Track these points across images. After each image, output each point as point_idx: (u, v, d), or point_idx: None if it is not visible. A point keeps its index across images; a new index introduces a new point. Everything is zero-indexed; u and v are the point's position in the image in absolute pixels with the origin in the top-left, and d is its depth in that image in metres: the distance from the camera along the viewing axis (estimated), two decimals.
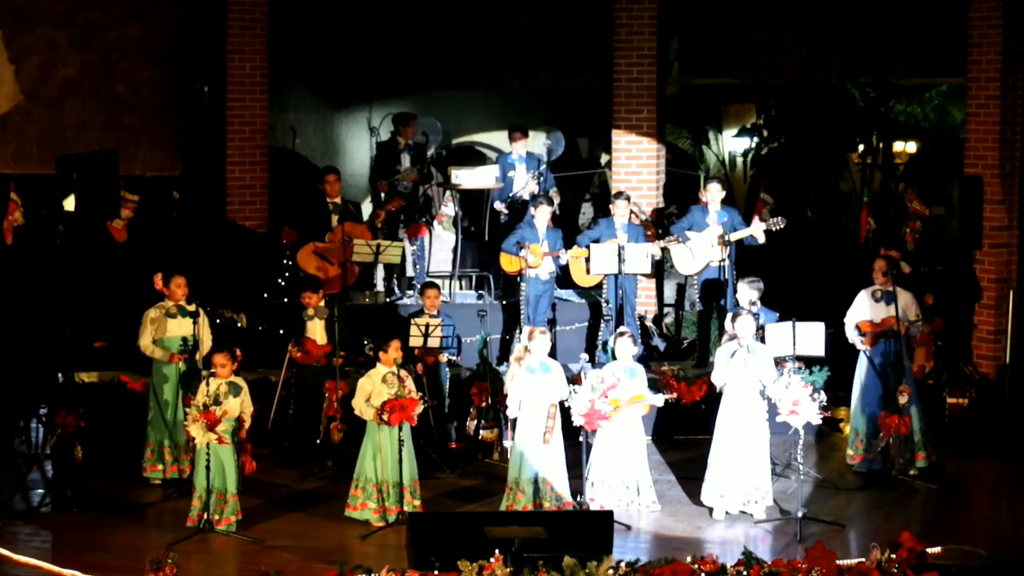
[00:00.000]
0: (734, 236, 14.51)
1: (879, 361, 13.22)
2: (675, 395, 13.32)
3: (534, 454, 11.88)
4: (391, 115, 16.89)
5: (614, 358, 12.42)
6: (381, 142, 16.24)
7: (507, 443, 12.45)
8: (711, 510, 12.04)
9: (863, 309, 13.27)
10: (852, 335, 13.29)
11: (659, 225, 15.98)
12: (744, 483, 11.88)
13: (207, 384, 11.51)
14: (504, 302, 15.11)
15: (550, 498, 11.84)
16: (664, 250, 15.02)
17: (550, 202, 14.74)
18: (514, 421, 12.11)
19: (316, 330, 13.40)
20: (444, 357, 13.47)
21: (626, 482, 12.15)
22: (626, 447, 12.14)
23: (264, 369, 14.07)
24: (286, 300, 14.98)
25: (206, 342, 12.90)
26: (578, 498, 11.96)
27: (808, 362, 12.96)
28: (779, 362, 12.28)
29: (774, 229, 14.51)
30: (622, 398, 12.04)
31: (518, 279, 14.61)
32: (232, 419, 11.51)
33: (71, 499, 12.19)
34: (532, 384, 11.90)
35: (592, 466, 12.16)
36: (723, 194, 14.82)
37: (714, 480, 12.00)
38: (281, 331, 14.29)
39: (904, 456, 12.99)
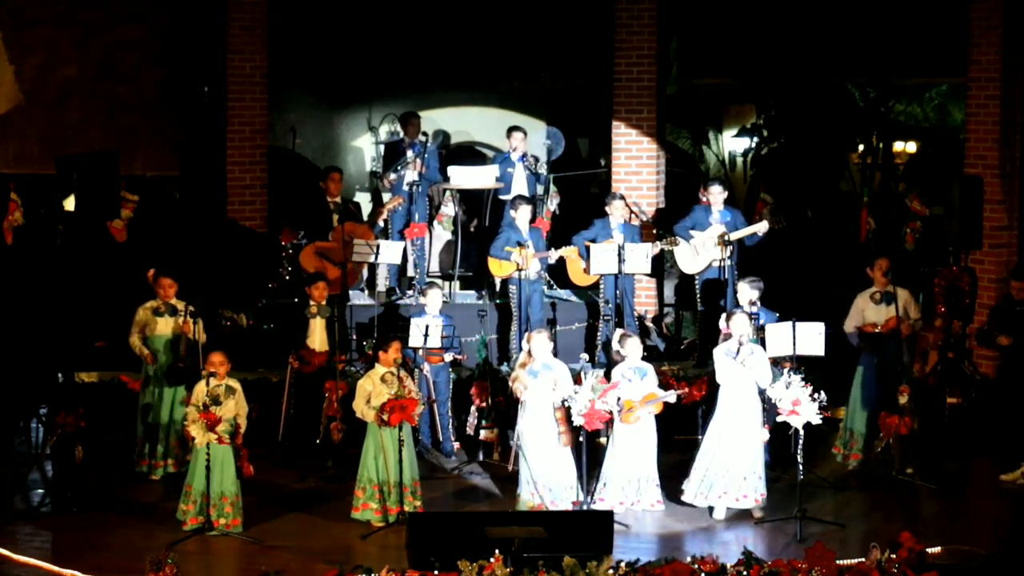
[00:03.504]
0: (735, 235, 14.52)
1: (878, 362, 13.22)
2: (685, 390, 13.33)
3: (545, 456, 11.87)
4: (391, 115, 16.89)
5: (612, 360, 12.41)
6: (388, 142, 16.25)
7: (513, 443, 12.44)
8: (711, 510, 12.05)
9: (864, 313, 13.26)
10: (855, 339, 13.29)
11: (659, 225, 15.98)
12: (733, 482, 11.88)
13: (207, 384, 11.50)
14: (498, 301, 15.10)
15: (564, 498, 11.85)
16: (662, 251, 15.01)
17: (528, 202, 14.72)
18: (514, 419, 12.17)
19: (317, 329, 13.41)
20: (449, 356, 13.47)
21: (639, 480, 12.16)
22: (640, 446, 12.16)
23: (264, 369, 14.09)
24: (296, 300, 14.96)
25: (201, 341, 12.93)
26: (579, 497, 11.98)
27: (803, 364, 12.95)
28: (779, 362, 12.28)
29: (776, 227, 14.53)
30: (635, 398, 12.05)
31: (508, 282, 14.60)
32: (229, 420, 11.50)
33: (71, 499, 12.19)
34: (536, 386, 11.91)
35: (605, 464, 12.17)
36: (725, 194, 14.83)
37: (698, 478, 12.01)
38: (279, 329, 14.32)
39: (903, 456, 13.00)
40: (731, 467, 11.90)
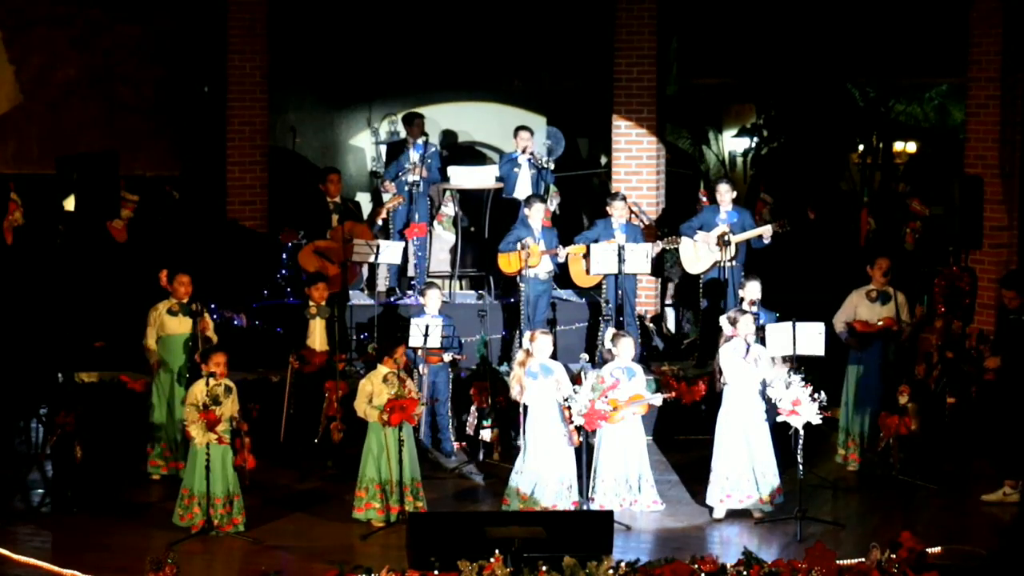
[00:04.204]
0: (737, 237, 14.51)
1: (877, 362, 13.22)
2: (674, 394, 13.32)
3: (545, 457, 11.87)
4: (391, 115, 16.89)
5: (604, 359, 12.41)
6: (390, 142, 16.26)
7: (519, 443, 12.44)
8: (711, 510, 12.05)
9: (857, 309, 13.26)
10: (844, 335, 13.29)
11: (661, 225, 15.98)
12: (752, 482, 11.88)
13: (207, 384, 11.49)
14: (503, 302, 15.10)
15: (564, 498, 11.85)
16: (663, 251, 15.01)
17: (542, 200, 14.73)
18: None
19: (317, 329, 13.41)
20: (448, 356, 13.46)
21: (629, 481, 12.17)
22: (628, 446, 12.16)
23: (264, 369, 14.09)
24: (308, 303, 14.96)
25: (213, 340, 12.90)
26: (577, 498, 11.98)
27: (803, 364, 12.94)
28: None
29: (781, 231, 14.53)
30: (620, 398, 12.05)
31: (517, 279, 14.61)
32: (227, 419, 11.50)
33: (71, 499, 12.19)
34: (535, 388, 11.91)
35: (597, 465, 12.17)
36: (733, 194, 14.84)
37: (719, 482, 11.99)
38: (280, 330, 14.30)
39: (903, 456, 13.01)
40: (755, 466, 11.89)
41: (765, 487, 11.91)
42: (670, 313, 16.49)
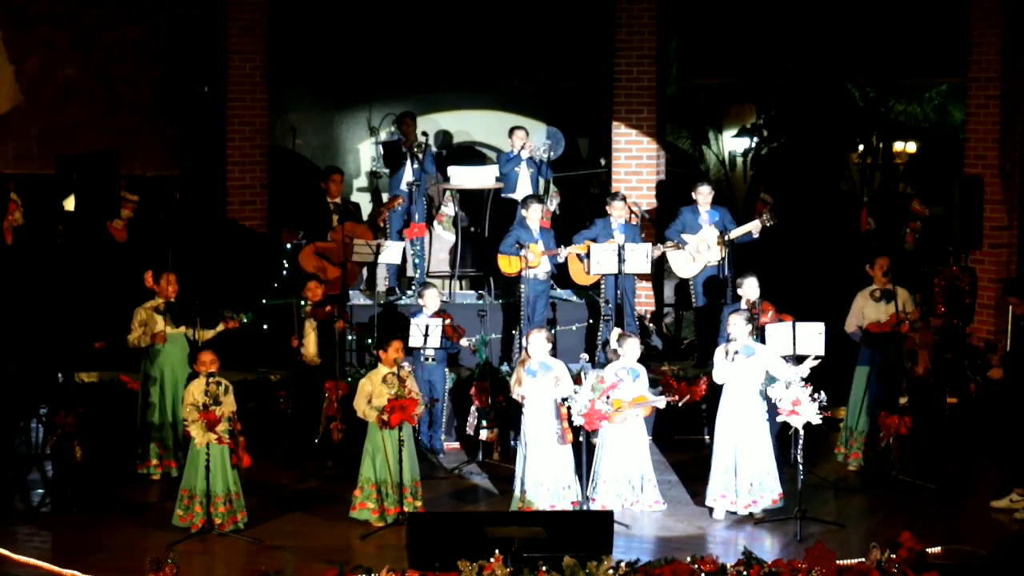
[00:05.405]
0: (733, 234, 14.53)
1: (880, 361, 13.22)
2: (676, 398, 13.32)
3: (542, 455, 11.87)
4: (391, 115, 16.89)
5: (608, 358, 12.40)
6: (388, 141, 16.28)
7: (516, 443, 12.45)
8: (711, 510, 12.05)
9: (864, 311, 13.26)
10: (857, 337, 13.28)
11: (658, 226, 15.97)
12: (749, 483, 11.88)
13: (206, 383, 11.48)
14: (500, 301, 15.08)
15: (561, 498, 11.85)
16: (663, 253, 15.01)
17: (540, 201, 14.73)
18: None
19: (312, 329, 13.40)
20: (465, 342, 13.50)
21: (631, 481, 12.17)
22: (630, 446, 12.17)
23: (264, 369, 14.09)
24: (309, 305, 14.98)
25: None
26: (578, 497, 11.98)
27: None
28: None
29: (767, 225, 14.57)
30: (625, 398, 12.05)
31: (518, 280, 14.61)
32: (226, 419, 11.50)
33: (71, 499, 12.20)
34: (532, 384, 11.91)
35: (598, 465, 12.17)
36: (712, 195, 14.85)
37: (718, 482, 11.99)
38: (273, 329, 14.32)
39: (903, 456, 13.01)
40: (750, 470, 11.88)
41: (764, 490, 11.89)
42: (669, 313, 16.50)
